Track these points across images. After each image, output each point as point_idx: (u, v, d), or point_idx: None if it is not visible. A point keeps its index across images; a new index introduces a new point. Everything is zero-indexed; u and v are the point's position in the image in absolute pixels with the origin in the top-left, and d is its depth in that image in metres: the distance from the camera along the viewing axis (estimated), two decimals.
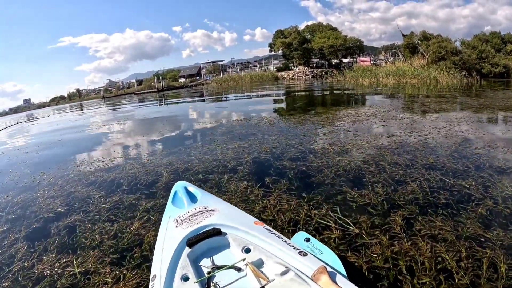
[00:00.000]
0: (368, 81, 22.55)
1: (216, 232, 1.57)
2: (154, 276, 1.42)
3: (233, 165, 4.01)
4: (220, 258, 1.49)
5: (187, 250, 1.51)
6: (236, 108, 12.20)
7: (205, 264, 1.46)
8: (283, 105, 12.27)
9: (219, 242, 1.56)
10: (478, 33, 30.30)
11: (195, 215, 1.78)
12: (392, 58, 33.00)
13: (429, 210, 2.50)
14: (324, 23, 44.73)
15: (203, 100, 19.88)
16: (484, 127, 5.41)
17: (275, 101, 14.04)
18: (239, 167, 3.89)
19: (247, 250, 1.50)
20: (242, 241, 1.54)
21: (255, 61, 58.94)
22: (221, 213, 1.79)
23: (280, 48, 43.20)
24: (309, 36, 42.75)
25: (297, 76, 39.52)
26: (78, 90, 69.45)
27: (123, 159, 5.06)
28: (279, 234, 1.59)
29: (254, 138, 5.51)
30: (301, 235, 1.80)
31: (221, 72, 52.15)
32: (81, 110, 24.91)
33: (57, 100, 67.69)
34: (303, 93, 17.44)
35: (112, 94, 54.29)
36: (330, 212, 2.56)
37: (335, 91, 17.04)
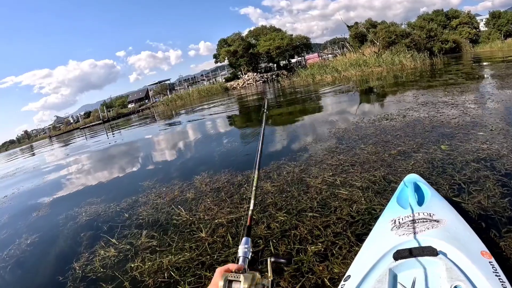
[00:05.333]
0: (330, 77, 21.02)
1: (430, 253, 1.23)
2: (348, 277, 1.36)
3: None
4: (422, 286, 1.16)
5: (391, 262, 1.27)
6: (191, 146, 7.69)
7: (404, 285, 1.18)
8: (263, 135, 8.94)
9: (429, 266, 1.21)
10: (418, 15, 30.35)
11: (416, 222, 1.51)
12: (340, 51, 32.19)
13: None
14: (267, 26, 43.50)
15: (146, 126, 16.74)
16: None
17: (239, 126, 10.45)
18: None
19: None
20: (456, 276, 1.14)
21: (202, 75, 56.80)
22: (446, 227, 1.45)
23: (226, 58, 41.31)
24: (253, 41, 41.32)
25: (248, 84, 37.81)
26: (26, 132, 65.24)
27: None
28: (505, 280, 1.13)
29: None
30: None
31: (168, 91, 49.24)
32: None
33: (7, 145, 62.81)
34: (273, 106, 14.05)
35: (61, 131, 50.20)
36: None
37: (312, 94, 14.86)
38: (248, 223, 0.90)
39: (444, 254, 1.26)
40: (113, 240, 3.00)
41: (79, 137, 24.23)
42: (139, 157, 7.86)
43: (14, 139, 67.18)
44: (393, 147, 3.90)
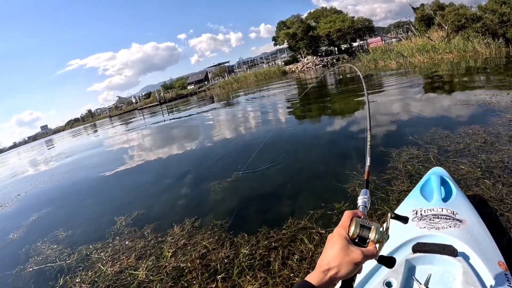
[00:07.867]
0: (395, 62, 20.41)
1: (450, 253, 1.22)
2: None
3: None
4: (435, 284, 1.17)
5: (409, 253, 1.28)
6: (201, 161, 6.08)
7: (419, 280, 1.18)
8: None
9: (446, 265, 1.22)
10: None
11: (438, 217, 1.51)
12: (405, 35, 31.15)
13: None
14: (328, 8, 42.84)
15: (196, 114, 17.51)
16: None
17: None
18: None
19: None
20: (472, 281, 1.12)
21: (261, 58, 57.67)
22: (468, 229, 1.44)
23: (285, 40, 41.66)
24: (313, 23, 40.97)
25: (307, 68, 37.94)
26: (89, 111, 72.03)
27: None
28: None
29: None
30: None
31: (226, 74, 51.00)
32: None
33: (72, 123, 69.72)
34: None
35: (122, 110, 54.87)
36: None
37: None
38: (366, 177, 0.94)
39: (464, 257, 1.24)
40: None
41: (137, 117, 26.00)
42: (153, 166, 7.00)
43: (79, 117, 73.17)
44: None
